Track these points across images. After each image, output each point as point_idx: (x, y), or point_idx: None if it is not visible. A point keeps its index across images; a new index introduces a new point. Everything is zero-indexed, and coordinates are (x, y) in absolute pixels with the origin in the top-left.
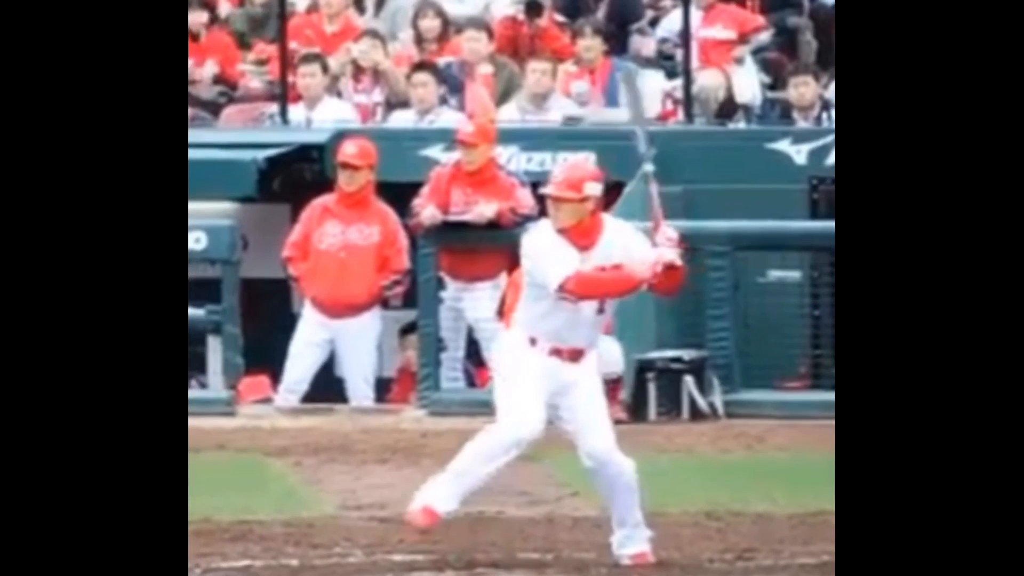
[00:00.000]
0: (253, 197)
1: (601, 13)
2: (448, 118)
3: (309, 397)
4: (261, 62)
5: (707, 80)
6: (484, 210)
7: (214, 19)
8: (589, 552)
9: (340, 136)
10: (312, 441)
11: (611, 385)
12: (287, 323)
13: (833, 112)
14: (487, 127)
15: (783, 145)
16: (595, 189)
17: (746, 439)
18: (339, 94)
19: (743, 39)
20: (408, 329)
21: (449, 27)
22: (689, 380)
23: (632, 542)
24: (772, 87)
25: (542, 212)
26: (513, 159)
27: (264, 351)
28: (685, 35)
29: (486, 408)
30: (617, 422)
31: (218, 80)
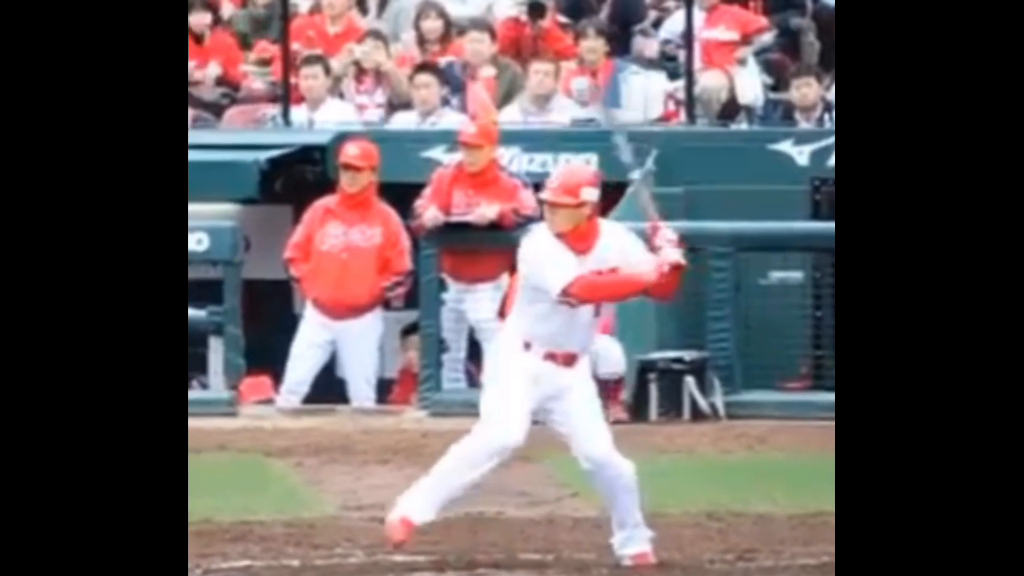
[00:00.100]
0: (255, 198)
1: (604, 14)
2: (450, 119)
3: (310, 398)
4: (263, 63)
5: (709, 81)
6: (486, 211)
7: (217, 20)
8: (589, 553)
9: (342, 137)
10: (313, 442)
11: (612, 385)
12: (289, 324)
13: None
14: (489, 128)
15: (785, 146)
16: (592, 194)
17: (747, 440)
18: (341, 95)
19: (746, 40)
20: (410, 330)
21: (452, 28)
22: (690, 381)
23: (633, 543)
24: (774, 88)
25: (544, 213)
26: (515, 160)
27: (266, 352)
28: (688, 36)
29: None
30: (618, 422)
31: (221, 81)
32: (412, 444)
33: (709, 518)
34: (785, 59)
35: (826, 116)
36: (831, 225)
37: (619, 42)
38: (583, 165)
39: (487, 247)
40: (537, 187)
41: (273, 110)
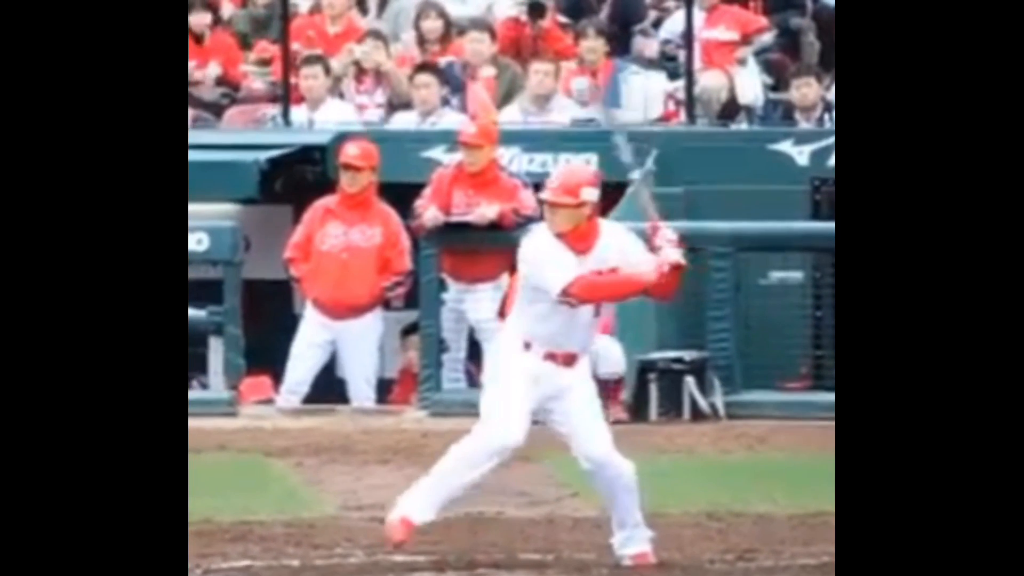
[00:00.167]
0: (255, 198)
1: (604, 14)
2: (450, 119)
3: (310, 398)
4: (263, 63)
5: (709, 81)
6: (486, 211)
7: (217, 20)
8: (590, 553)
9: (342, 137)
10: (313, 442)
11: (612, 385)
12: (289, 324)
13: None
14: (489, 128)
15: (785, 146)
16: (591, 194)
17: (747, 440)
18: (341, 95)
19: (746, 40)
20: (410, 330)
21: (452, 28)
22: (690, 381)
23: (633, 543)
24: (774, 88)
25: (544, 213)
26: (515, 160)
27: (266, 352)
28: (688, 36)
29: None
30: (618, 422)
31: (221, 81)
32: (412, 444)
33: (709, 518)
34: (785, 59)
35: (826, 116)
36: (831, 225)
37: (619, 42)
38: (583, 165)
39: (487, 247)
40: (537, 187)
41: (273, 110)
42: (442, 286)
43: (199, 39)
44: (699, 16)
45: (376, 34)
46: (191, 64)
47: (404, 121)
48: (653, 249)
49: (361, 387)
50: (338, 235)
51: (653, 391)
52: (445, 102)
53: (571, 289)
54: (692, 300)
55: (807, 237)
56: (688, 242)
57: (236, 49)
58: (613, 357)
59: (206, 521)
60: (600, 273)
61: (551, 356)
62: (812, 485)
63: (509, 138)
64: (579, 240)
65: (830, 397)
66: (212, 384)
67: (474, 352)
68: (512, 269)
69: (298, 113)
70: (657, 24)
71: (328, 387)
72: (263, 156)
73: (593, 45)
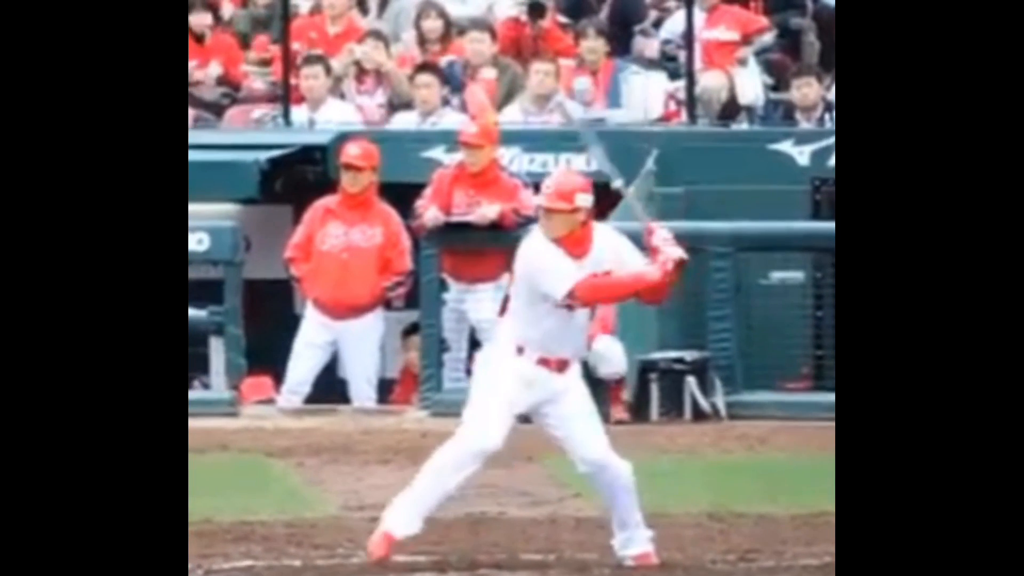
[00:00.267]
0: (256, 198)
1: (604, 14)
2: (451, 119)
3: (311, 398)
4: (264, 63)
5: (710, 81)
6: (487, 211)
7: (217, 20)
8: (592, 553)
9: (343, 137)
10: (314, 442)
11: (613, 386)
12: (290, 324)
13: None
14: (490, 128)
15: (786, 146)
16: (586, 200)
17: (748, 440)
18: (342, 95)
19: (746, 40)
20: (410, 330)
21: (452, 28)
22: (691, 381)
23: (634, 543)
24: (775, 88)
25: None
26: (515, 160)
27: (266, 352)
28: (688, 36)
29: None
30: (619, 423)
31: (221, 81)
32: (413, 444)
33: (710, 518)
34: (785, 59)
35: (826, 116)
36: (831, 225)
37: (619, 42)
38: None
39: (488, 247)
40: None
41: (273, 110)
42: (443, 286)
43: (200, 39)
44: (699, 16)
45: (377, 34)
46: (192, 64)
47: (404, 121)
48: (651, 250)
49: (362, 387)
50: (339, 235)
51: (654, 391)
52: (445, 102)
53: (576, 292)
54: (693, 300)
55: (808, 237)
56: (688, 242)
57: (236, 49)
58: (614, 357)
59: (207, 521)
60: (594, 276)
61: (544, 362)
62: (813, 485)
63: (509, 138)
64: (575, 245)
65: (831, 397)
66: (213, 384)
67: (475, 352)
68: (512, 269)
69: (298, 113)
70: (657, 24)
71: (329, 387)
72: (264, 156)
73: (593, 45)
